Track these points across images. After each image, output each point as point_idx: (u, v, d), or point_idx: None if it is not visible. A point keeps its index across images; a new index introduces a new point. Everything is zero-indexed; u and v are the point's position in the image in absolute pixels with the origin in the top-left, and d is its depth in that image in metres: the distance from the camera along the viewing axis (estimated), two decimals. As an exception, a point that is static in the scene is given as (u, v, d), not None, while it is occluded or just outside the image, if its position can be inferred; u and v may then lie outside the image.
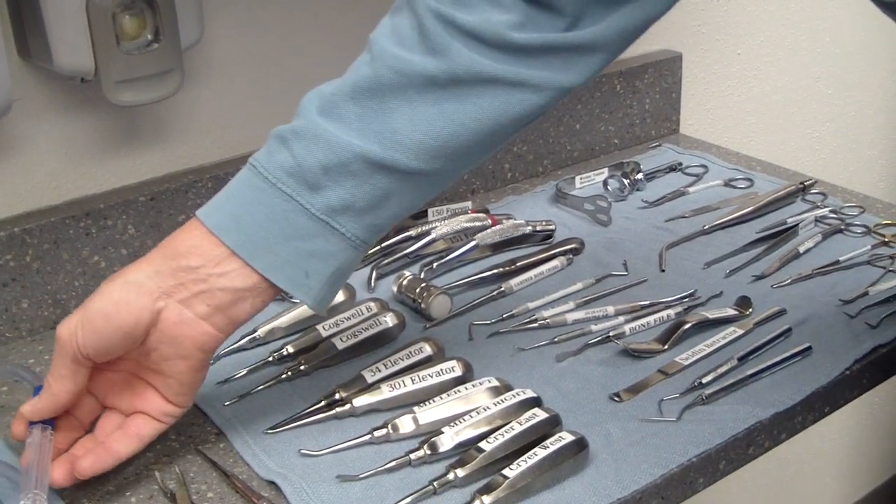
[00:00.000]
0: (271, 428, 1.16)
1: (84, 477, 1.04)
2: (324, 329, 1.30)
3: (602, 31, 1.05)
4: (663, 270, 1.49)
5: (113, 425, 1.09)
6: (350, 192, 1.03)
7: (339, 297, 1.35)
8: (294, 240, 1.03)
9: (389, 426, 1.13)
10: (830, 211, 1.64)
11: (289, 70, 1.52)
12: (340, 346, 1.27)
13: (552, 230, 1.55)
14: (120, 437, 1.07)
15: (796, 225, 1.59)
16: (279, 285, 1.04)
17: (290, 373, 1.24)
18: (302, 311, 1.33)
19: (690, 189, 1.72)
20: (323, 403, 1.18)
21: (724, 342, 1.31)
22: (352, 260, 1.07)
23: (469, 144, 1.05)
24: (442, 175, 1.06)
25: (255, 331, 1.31)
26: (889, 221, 1.61)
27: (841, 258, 1.51)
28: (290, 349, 1.28)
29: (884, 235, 1.57)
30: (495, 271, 1.45)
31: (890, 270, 1.48)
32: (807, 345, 1.30)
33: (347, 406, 1.17)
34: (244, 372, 1.25)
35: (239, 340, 1.30)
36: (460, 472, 1.07)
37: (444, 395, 1.16)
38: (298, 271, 1.04)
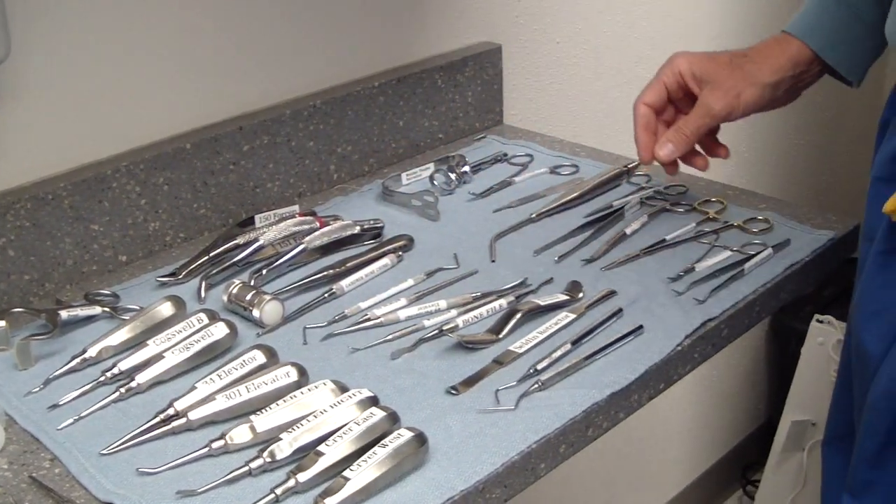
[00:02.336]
0: (107, 448, 1.14)
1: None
2: (155, 344, 1.28)
3: None
4: (494, 261, 1.49)
5: None
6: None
7: (169, 310, 1.33)
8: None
9: (227, 437, 1.12)
10: (655, 191, 1.67)
11: (105, 83, 1.50)
12: (173, 360, 1.25)
13: (380, 228, 1.55)
14: None
15: (622, 207, 1.61)
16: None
17: (123, 391, 1.22)
18: (131, 327, 1.31)
19: (517, 179, 1.74)
20: (159, 419, 1.16)
21: (557, 328, 1.32)
22: None
23: None
24: None
25: (84, 351, 1.28)
26: (713, 198, 1.64)
27: (667, 237, 1.53)
28: (122, 367, 1.25)
29: (707, 212, 1.60)
30: (326, 273, 1.44)
31: (715, 246, 1.51)
32: (638, 324, 1.32)
33: (183, 420, 1.16)
34: (76, 394, 1.23)
35: (69, 362, 1.27)
36: (301, 477, 1.06)
37: (280, 402, 1.16)
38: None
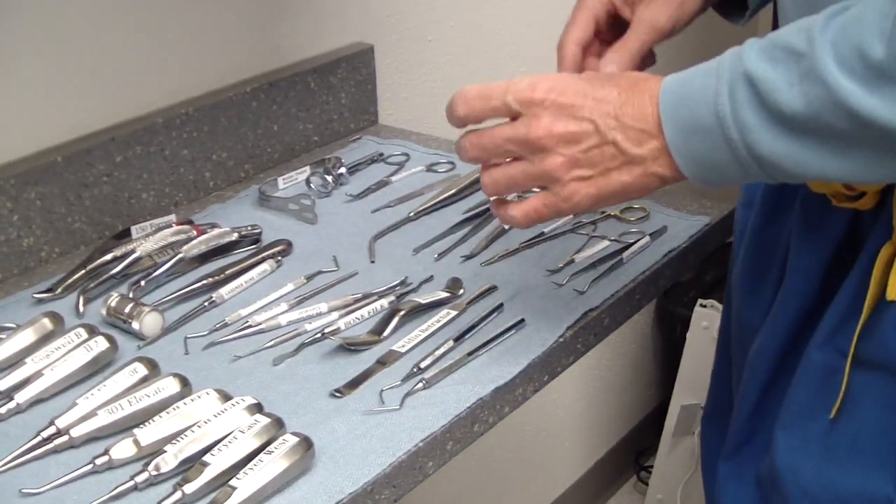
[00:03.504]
0: (-12, 471, 1.12)
1: None
2: (33, 362, 1.26)
3: None
4: (373, 261, 1.49)
5: None
6: None
7: (46, 326, 1.31)
8: None
9: (110, 452, 1.11)
10: (532, 185, 1.67)
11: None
12: (52, 377, 1.23)
13: (258, 234, 1.54)
14: None
15: (500, 202, 1.61)
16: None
17: (2, 411, 1.20)
18: (8, 346, 1.29)
19: (393, 178, 1.73)
20: (40, 438, 1.14)
21: (438, 325, 1.32)
22: None
23: None
24: None
25: (-40, 373, 1.26)
26: (589, 188, 1.65)
27: (545, 230, 1.54)
28: (0, 387, 1.23)
29: (584, 203, 1.61)
30: (205, 282, 1.43)
31: (593, 236, 1.52)
32: (520, 318, 1.32)
33: (66, 437, 1.14)
34: (-48, 418, 1.21)
35: (-55, 384, 1.25)
36: (188, 489, 1.06)
37: (163, 414, 1.15)
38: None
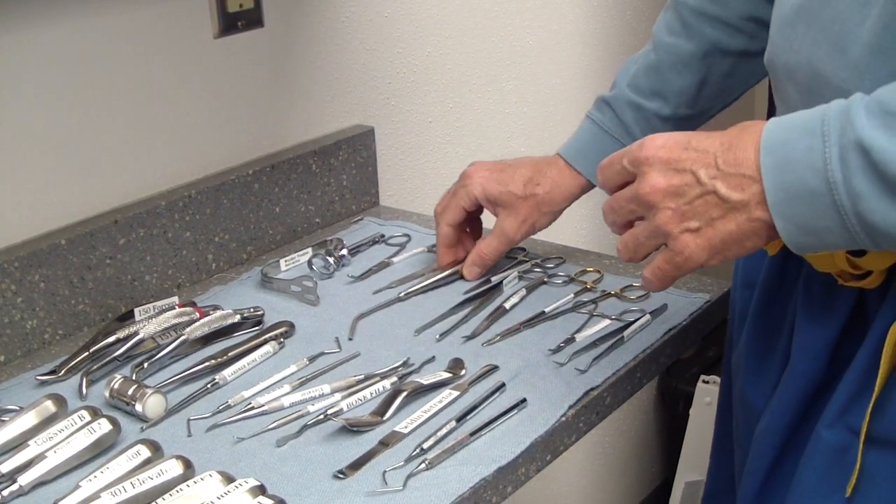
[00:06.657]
0: (-10, 555, 1.12)
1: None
2: (37, 444, 1.26)
3: None
4: (350, 339, 1.51)
5: None
6: None
7: (50, 408, 1.31)
8: None
9: (113, 535, 1.11)
10: (533, 265, 1.68)
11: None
12: (55, 459, 1.23)
13: (261, 316, 1.55)
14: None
15: (501, 282, 1.62)
16: None
17: (5, 494, 1.20)
18: (11, 428, 1.29)
19: (395, 259, 1.75)
20: (43, 521, 1.15)
21: (441, 406, 1.32)
22: None
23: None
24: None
25: (-36, 454, 1.26)
26: (590, 269, 1.66)
27: (546, 309, 1.55)
28: (3, 469, 1.23)
29: (585, 282, 1.62)
30: (208, 364, 1.43)
31: (594, 315, 1.53)
32: (521, 397, 1.32)
33: (69, 520, 1.14)
34: (-43, 500, 1.21)
35: (-50, 467, 1.25)
36: (191, 572, 1.06)
37: (166, 496, 1.14)
38: None
